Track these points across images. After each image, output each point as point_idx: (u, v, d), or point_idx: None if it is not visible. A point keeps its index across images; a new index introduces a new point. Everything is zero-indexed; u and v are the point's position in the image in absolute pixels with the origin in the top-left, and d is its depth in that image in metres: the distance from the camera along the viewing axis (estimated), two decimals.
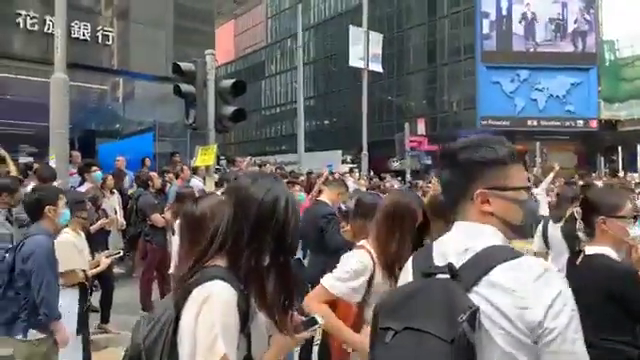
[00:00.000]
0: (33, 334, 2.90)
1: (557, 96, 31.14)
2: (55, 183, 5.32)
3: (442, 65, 34.70)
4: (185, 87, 6.27)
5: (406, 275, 1.30)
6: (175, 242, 4.74)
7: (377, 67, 16.88)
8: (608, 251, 1.95)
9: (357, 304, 2.16)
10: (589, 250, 2.03)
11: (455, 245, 1.19)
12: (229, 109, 6.59)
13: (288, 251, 1.39)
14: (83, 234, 3.77)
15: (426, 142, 22.37)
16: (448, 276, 1.10)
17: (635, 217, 2.01)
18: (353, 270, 2.11)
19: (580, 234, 2.12)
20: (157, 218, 5.95)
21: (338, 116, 42.12)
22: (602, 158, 30.46)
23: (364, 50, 15.88)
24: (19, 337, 2.89)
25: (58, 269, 3.09)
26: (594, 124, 31.22)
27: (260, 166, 9.50)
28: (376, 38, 16.95)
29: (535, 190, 10.79)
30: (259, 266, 1.34)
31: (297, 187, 5.55)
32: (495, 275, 1.07)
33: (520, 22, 31.33)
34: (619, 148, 29.19)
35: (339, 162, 28.04)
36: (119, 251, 3.75)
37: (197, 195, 5.12)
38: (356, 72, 30.24)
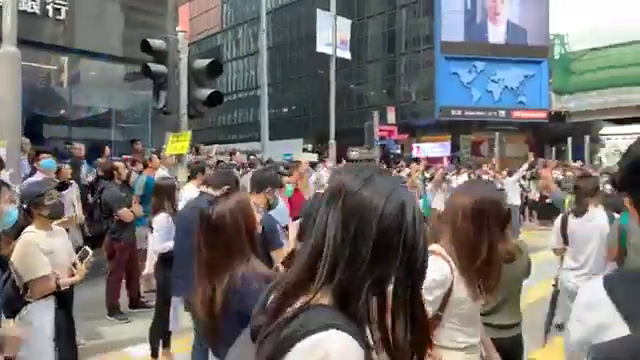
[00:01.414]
0: None
1: (511, 88, 31.99)
2: (4, 173, 4.60)
3: (401, 55, 34.82)
4: (155, 67, 5.64)
5: (599, 315, 0.90)
6: (153, 240, 4.21)
7: (345, 54, 16.46)
8: None
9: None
10: None
11: None
12: (203, 92, 6.02)
13: (420, 278, 0.96)
14: (63, 230, 3.14)
15: (396, 131, 22.34)
16: None
17: None
18: (432, 280, 1.70)
19: None
20: (125, 213, 5.33)
21: (298, 104, 41.51)
22: (552, 148, 31.72)
23: (332, 36, 15.38)
24: None
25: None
26: (545, 115, 32.35)
27: (231, 154, 8.92)
28: (344, 23, 16.48)
29: (508, 179, 10.97)
30: (385, 308, 0.92)
31: (285, 178, 5.10)
32: None
33: (478, 15, 31.85)
34: (568, 139, 30.48)
35: (300, 151, 27.65)
36: (89, 251, 3.13)
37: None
38: (316, 59, 29.83)
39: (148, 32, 8.90)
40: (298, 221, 3.17)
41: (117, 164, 5.68)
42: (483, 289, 1.79)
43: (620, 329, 0.83)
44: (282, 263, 2.01)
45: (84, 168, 7.39)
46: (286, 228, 3.05)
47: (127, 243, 5.42)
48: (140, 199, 5.77)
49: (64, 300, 2.93)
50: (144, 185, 5.85)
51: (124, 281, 5.64)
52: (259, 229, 2.02)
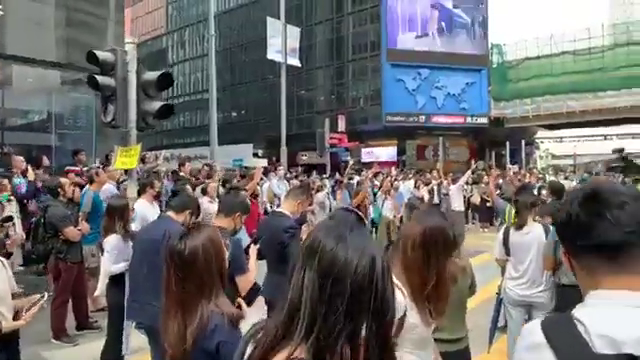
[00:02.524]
0: None
1: (454, 94, 33.40)
2: None
3: (349, 61, 35.43)
4: (102, 79, 5.46)
5: (538, 357, 1.02)
6: (104, 262, 4.10)
7: (295, 61, 16.55)
8: None
9: None
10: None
11: (628, 326, 0.93)
12: (154, 105, 5.89)
13: (389, 326, 1.06)
14: (2, 261, 2.97)
15: (346, 139, 22.68)
16: None
17: None
18: None
19: None
20: (72, 232, 5.12)
21: (246, 109, 41.15)
22: (492, 152, 33.38)
23: (282, 43, 15.42)
24: None
25: None
26: (485, 121, 33.98)
27: (181, 165, 8.72)
28: (294, 32, 16.59)
29: (452, 187, 11.45)
30: (357, 357, 1.00)
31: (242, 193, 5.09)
32: None
33: (422, 23, 32.99)
34: (506, 143, 32.20)
35: (250, 156, 27.40)
36: (43, 294, 2.96)
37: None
38: (264, 64, 29.76)
39: (90, 37, 8.61)
40: (257, 246, 3.20)
41: (62, 181, 5.44)
42: (434, 313, 1.92)
43: None
44: (244, 297, 2.04)
45: (16, 179, 6.93)
46: (246, 251, 3.08)
47: (74, 263, 5.21)
48: (87, 216, 5.57)
49: (8, 341, 2.79)
50: (91, 202, 5.65)
51: (71, 302, 5.41)
52: (227, 265, 2.04)
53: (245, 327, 1.92)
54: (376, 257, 1.04)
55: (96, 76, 5.45)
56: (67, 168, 7.84)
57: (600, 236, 1.00)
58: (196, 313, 1.83)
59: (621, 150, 26.88)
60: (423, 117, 32.63)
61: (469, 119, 33.55)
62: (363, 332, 1.00)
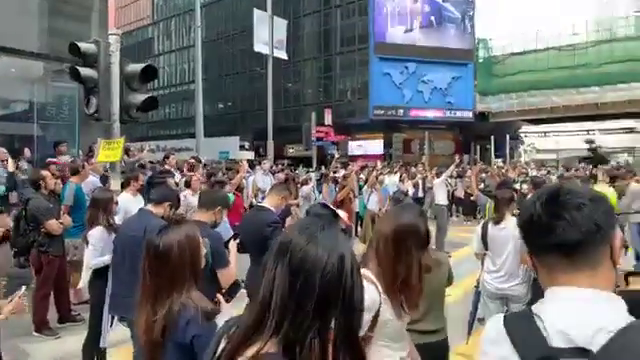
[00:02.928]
0: None
1: (440, 88, 33.57)
2: None
3: (337, 54, 35.36)
4: (85, 71, 5.41)
5: (500, 350, 1.07)
6: (88, 255, 4.10)
7: (282, 54, 16.49)
8: None
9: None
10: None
11: (582, 321, 0.99)
12: (137, 97, 5.87)
13: (357, 322, 1.10)
14: None
15: (332, 132, 22.69)
16: None
17: (626, 247, 1.86)
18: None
19: None
20: (53, 225, 5.09)
21: (233, 101, 40.88)
22: (477, 146, 33.71)
23: (269, 35, 15.33)
24: None
25: None
26: (471, 115, 34.27)
27: (166, 157, 8.66)
28: (280, 24, 16.49)
29: (436, 180, 11.57)
30: (327, 352, 1.05)
31: (227, 187, 5.10)
32: None
33: (410, 17, 33.03)
34: (491, 137, 32.55)
35: (237, 149, 27.32)
36: (20, 288, 2.95)
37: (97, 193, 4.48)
38: (251, 55, 29.54)
39: (73, 26, 8.48)
40: (237, 240, 3.23)
41: (44, 173, 5.39)
42: (406, 306, 1.98)
43: None
44: (224, 292, 2.08)
45: None
46: (226, 246, 3.10)
47: (55, 256, 5.18)
48: (69, 209, 5.54)
49: None
50: (73, 195, 5.61)
51: (53, 295, 5.39)
52: (204, 263, 2.08)
53: (223, 322, 1.96)
54: (345, 255, 1.08)
55: (78, 67, 5.40)
56: (48, 160, 7.75)
57: (559, 236, 1.05)
58: (166, 305, 1.88)
59: (591, 142, 27.67)
60: (409, 111, 32.78)
61: (455, 113, 33.78)
62: (332, 327, 1.05)
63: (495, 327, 1.11)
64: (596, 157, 25.26)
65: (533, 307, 1.10)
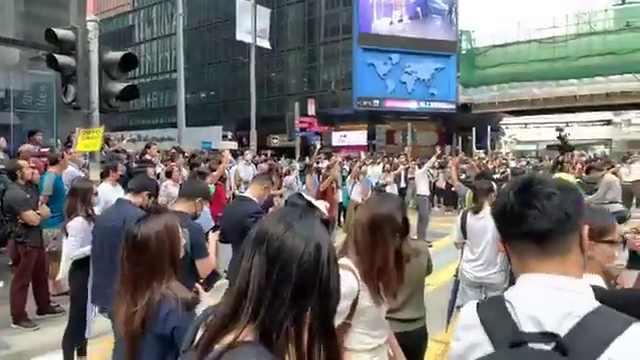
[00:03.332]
0: None
1: (423, 79, 33.73)
2: None
3: (320, 44, 35.19)
4: (62, 59, 5.30)
5: (472, 335, 1.11)
6: (67, 246, 4.05)
7: (265, 43, 16.34)
8: (599, 281, 1.65)
9: (338, 327, 1.96)
10: None
11: (551, 307, 1.02)
12: (117, 86, 5.76)
13: (333, 311, 1.12)
14: None
15: (316, 123, 22.63)
16: (547, 347, 0.95)
17: (624, 242, 1.78)
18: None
19: None
20: (30, 216, 5.00)
21: (216, 90, 40.42)
22: (459, 137, 34.06)
23: (252, 24, 15.16)
24: None
25: None
26: (453, 107, 34.55)
27: (147, 147, 8.55)
28: (264, 13, 16.32)
29: (418, 171, 11.67)
30: (302, 339, 1.06)
31: (209, 179, 5.06)
32: (617, 350, 0.92)
33: (393, 8, 32.99)
34: (473, 129, 32.92)
35: (219, 139, 27.08)
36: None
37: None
38: (234, 44, 29.19)
39: (51, 12, 8.27)
40: (217, 232, 3.23)
41: (21, 163, 5.28)
42: (384, 294, 2.02)
43: (488, 348, 1.05)
44: (203, 281, 2.10)
45: None
46: (207, 237, 3.10)
47: (33, 247, 5.09)
48: (47, 199, 5.45)
49: None
50: (52, 185, 5.51)
51: (31, 287, 5.31)
52: (183, 253, 2.08)
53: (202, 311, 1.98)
54: (322, 245, 1.09)
55: (55, 55, 5.28)
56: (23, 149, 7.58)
57: (530, 224, 1.08)
58: (146, 295, 1.89)
59: (560, 130, 28.49)
60: (393, 102, 32.89)
61: (437, 104, 33.99)
62: (308, 316, 1.06)
63: (468, 313, 1.14)
64: (565, 146, 26.06)
65: (505, 293, 1.13)
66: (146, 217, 2.00)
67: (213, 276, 2.09)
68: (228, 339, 1.03)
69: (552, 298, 1.04)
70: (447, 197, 15.10)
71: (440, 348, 4.37)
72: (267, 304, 1.03)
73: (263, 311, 1.03)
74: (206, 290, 2.04)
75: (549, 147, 34.32)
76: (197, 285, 2.07)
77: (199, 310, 1.95)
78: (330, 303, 1.10)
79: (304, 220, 1.13)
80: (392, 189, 11.18)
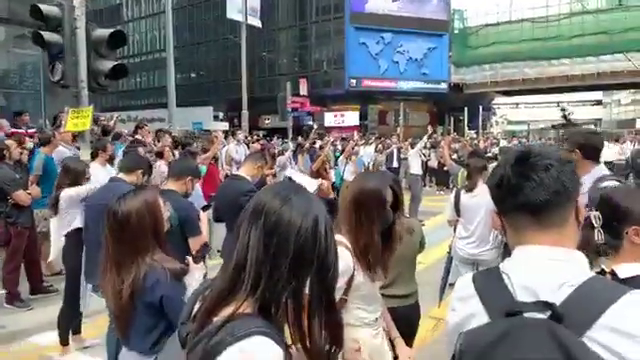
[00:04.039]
0: None
1: (415, 59, 33.51)
2: None
3: (312, 23, 34.70)
4: (49, 36, 5.17)
5: (468, 306, 1.12)
6: (58, 223, 4.02)
7: (256, 22, 16.06)
8: None
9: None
10: (621, 270, 1.52)
11: (546, 277, 1.03)
12: (106, 64, 5.66)
13: (332, 283, 1.12)
14: None
15: (308, 103, 22.43)
16: (542, 316, 0.96)
17: None
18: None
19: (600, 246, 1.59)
20: (21, 196, 4.95)
21: (206, 70, 39.86)
22: (451, 117, 34.08)
23: (242, 2, 14.87)
24: None
25: None
26: (445, 87, 34.44)
27: (138, 127, 8.45)
28: None
29: (411, 151, 11.70)
30: (300, 310, 1.07)
31: (199, 158, 5.02)
32: (612, 317, 0.93)
33: None
34: (465, 108, 32.91)
35: (210, 119, 26.84)
36: None
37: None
38: (224, 23, 28.68)
39: None
40: (208, 211, 3.23)
41: (8, 143, 5.20)
42: (373, 270, 2.03)
43: (484, 318, 1.06)
44: (194, 254, 2.12)
45: None
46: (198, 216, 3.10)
47: (25, 227, 5.06)
48: (38, 179, 5.39)
49: None
50: (42, 164, 5.45)
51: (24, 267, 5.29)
52: (167, 226, 2.10)
53: (192, 281, 2.01)
54: (319, 218, 1.09)
55: (42, 32, 5.15)
56: (9, 130, 7.47)
57: (527, 196, 1.08)
58: (132, 269, 1.91)
59: (564, 109, 28.95)
60: (385, 82, 32.69)
61: (430, 84, 33.84)
62: (306, 288, 1.07)
63: (464, 285, 1.15)
64: (569, 124, 26.44)
65: (500, 265, 1.14)
66: (126, 194, 2.01)
67: (203, 248, 2.13)
68: (227, 311, 1.03)
69: (547, 269, 1.05)
70: (439, 176, 15.18)
71: (432, 324, 4.45)
72: (266, 277, 1.03)
73: (262, 283, 1.03)
74: (196, 262, 2.08)
75: (554, 127, 34.41)
76: (188, 257, 2.09)
77: (188, 280, 1.98)
78: (328, 276, 1.10)
79: (300, 194, 1.13)
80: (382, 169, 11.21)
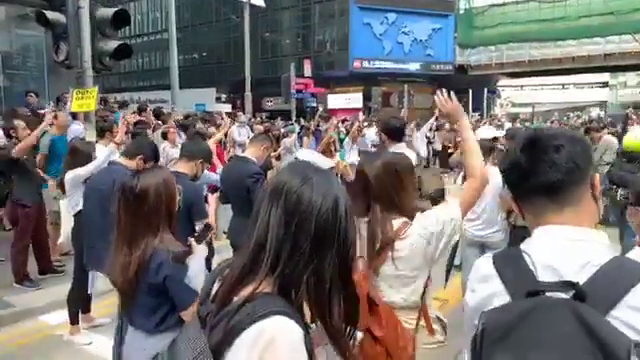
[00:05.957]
0: None
1: (420, 40, 33.02)
2: None
3: (315, 3, 34.18)
4: (52, 15, 5.11)
5: (488, 286, 1.11)
6: (65, 204, 4.04)
7: (259, 1, 15.80)
8: None
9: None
10: None
11: (569, 257, 1.02)
12: (110, 44, 5.60)
13: (350, 263, 1.12)
14: None
15: (312, 84, 22.19)
16: (565, 296, 0.96)
17: None
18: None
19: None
20: (21, 145, 4.94)
21: (209, 51, 39.47)
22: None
23: None
24: None
25: None
26: (450, 68, 34.03)
27: (141, 110, 8.42)
28: None
29: (416, 133, 11.62)
30: (322, 291, 1.07)
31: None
32: (637, 296, 0.93)
33: None
34: (469, 90, 32.59)
35: (213, 101, 26.66)
36: None
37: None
38: (227, 3, 28.26)
39: None
40: (217, 194, 3.23)
41: (16, 123, 5.18)
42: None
43: (505, 297, 1.06)
44: (197, 237, 2.14)
45: None
46: (206, 199, 3.10)
47: (33, 207, 5.08)
48: (45, 158, 5.40)
49: None
50: (49, 144, 5.44)
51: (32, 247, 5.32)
52: (177, 206, 2.12)
53: (195, 262, 2.04)
54: (340, 198, 1.09)
55: (45, 12, 5.09)
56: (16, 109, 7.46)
57: (540, 178, 1.08)
58: (141, 246, 1.94)
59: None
60: (390, 63, 32.31)
61: (434, 66, 33.44)
62: (327, 268, 1.06)
63: (484, 265, 1.15)
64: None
65: (521, 245, 1.13)
66: (144, 170, 2.03)
67: (205, 229, 2.14)
68: (247, 291, 1.03)
69: (569, 249, 1.05)
70: (442, 158, 15.12)
71: (437, 305, 4.48)
72: (286, 256, 1.03)
73: (282, 263, 1.03)
74: (198, 242, 2.10)
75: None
76: (190, 238, 2.11)
77: (191, 262, 2.01)
78: (348, 255, 1.10)
79: (320, 174, 1.12)
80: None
